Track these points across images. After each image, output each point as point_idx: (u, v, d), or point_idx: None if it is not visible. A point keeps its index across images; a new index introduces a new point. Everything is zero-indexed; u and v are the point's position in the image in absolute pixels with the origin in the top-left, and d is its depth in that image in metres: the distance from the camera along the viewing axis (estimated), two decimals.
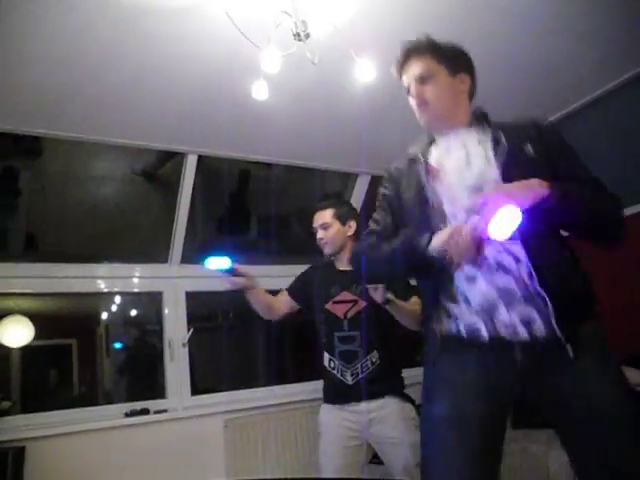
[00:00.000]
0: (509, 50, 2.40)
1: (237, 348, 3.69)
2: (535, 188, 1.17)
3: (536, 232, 1.22)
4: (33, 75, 2.21)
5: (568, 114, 3.02)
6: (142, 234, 3.56)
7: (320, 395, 2.43)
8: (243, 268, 2.20)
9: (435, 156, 1.42)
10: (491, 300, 1.24)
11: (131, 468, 2.75)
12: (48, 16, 1.89)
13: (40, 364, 3.80)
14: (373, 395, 2.24)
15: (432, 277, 1.34)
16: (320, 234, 2.40)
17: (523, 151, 1.31)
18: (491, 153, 1.32)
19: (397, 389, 2.31)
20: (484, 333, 1.24)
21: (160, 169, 3.42)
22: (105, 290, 3.26)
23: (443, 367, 1.32)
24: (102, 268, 3.17)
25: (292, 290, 2.51)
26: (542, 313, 1.21)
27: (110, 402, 3.32)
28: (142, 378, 3.73)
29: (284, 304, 2.48)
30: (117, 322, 3.99)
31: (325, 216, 2.40)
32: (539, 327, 1.20)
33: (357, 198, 3.75)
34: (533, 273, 1.21)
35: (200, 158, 3.13)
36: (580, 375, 1.20)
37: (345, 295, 2.31)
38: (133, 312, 3.98)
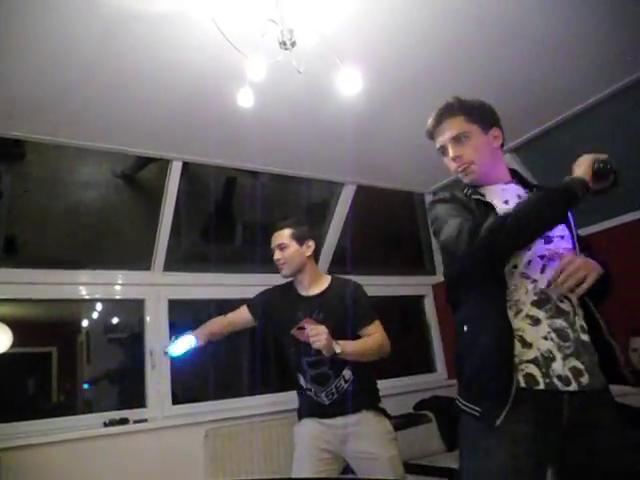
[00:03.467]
0: (496, 61, 2.43)
1: (219, 357, 3.65)
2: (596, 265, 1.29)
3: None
4: (17, 78, 2.18)
5: (555, 125, 3.05)
6: (125, 240, 3.52)
7: None
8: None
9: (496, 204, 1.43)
10: (549, 347, 1.27)
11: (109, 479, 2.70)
12: (33, 19, 1.87)
13: (18, 372, 3.72)
14: (349, 410, 2.22)
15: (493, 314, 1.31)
16: (277, 255, 2.36)
17: None
18: None
19: (373, 403, 2.29)
20: (541, 385, 1.25)
21: (139, 172, 3.38)
22: (86, 297, 3.22)
23: (504, 423, 1.24)
24: (84, 274, 3.13)
25: (252, 306, 2.47)
26: (591, 362, 1.30)
27: (89, 411, 3.26)
28: (122, 387, 3.67)
29: (241, 318, 2.48)
30: (98, 330, 3.93)
31: (283, 236, 2.36)
32: (586, 378, 1.27)
33: (343, 207, 3.75)
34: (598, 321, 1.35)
35: (185, 165, 3.12)
36: (613, 429, 1.28)
37: (308, 322, 2.20)
38: (115, 320, 3.92)
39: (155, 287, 3.26)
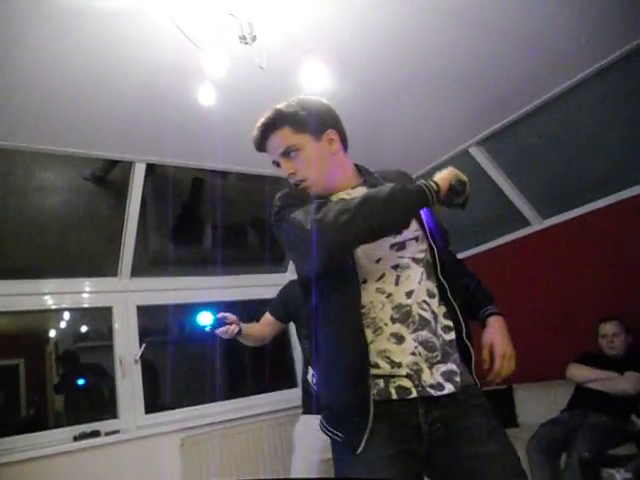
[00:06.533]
0: (462, 54, 2.41)
1: (192, 362, 3.58)
2: (504, 327, 1.38)
3: (454, 287, 1.30)
4: None
5: (521, 116, 3.05)
6: (90, 247, 3.41)
7: (281, 407, 2.37)
8: (227, 315, 2.09)
9: None
10: (416, 360, 1.20)
11: None
12: None
13: None
14: None
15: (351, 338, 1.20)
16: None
17: None
18: None
19: None
20: (414, 393, 1.18)
21: (111, 172, 3.25)
22: (53, 307, 3.12)
23: (365, 450, 1.17)
24: (49, 284, 3.03)
25: (273, 310, 2.41)
26: (458, 367, 1.25)
27: (59, 425, 3.15)
28: (93, 398, 3.57)
29: (269, 328, 2.39)
30: (67, 339, 3.82)
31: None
32: (459, 378, 1.23)
33: None
34: (459, 325, 1.28)
35: (151, 166, 3.02)
36: (481, 431, 1.21)
37: None
38: (83, 328, 3.82)
39: (123, 294, 3.18)
